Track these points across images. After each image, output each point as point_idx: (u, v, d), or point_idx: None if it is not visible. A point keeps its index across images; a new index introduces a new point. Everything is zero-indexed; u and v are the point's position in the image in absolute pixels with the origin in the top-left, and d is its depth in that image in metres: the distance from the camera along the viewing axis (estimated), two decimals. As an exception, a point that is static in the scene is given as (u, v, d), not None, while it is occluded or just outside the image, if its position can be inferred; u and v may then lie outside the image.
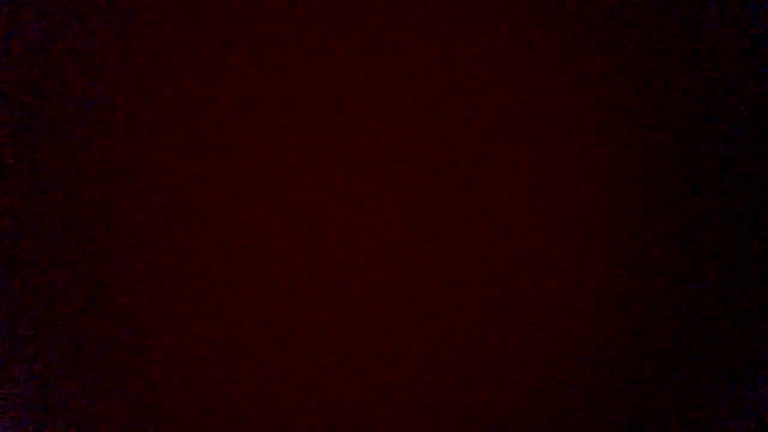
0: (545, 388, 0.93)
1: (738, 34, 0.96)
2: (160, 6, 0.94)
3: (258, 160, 0.92)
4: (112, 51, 0.94)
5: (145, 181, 0.93)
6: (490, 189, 0.92)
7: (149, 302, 0.93)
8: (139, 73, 0.94)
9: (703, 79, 0.95)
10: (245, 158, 0.92)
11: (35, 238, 0.96)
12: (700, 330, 0.95)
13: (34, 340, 0.96)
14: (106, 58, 0.95)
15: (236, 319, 0.92)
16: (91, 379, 0.95)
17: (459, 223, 0.92)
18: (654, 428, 0.95)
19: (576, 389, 0.93)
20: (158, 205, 0.93)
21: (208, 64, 0.93)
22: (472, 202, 0.92)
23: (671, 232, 0.94)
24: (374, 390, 0.93)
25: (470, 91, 0.92)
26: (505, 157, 0.92)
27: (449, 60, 0.92)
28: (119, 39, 0.94)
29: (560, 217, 0.92)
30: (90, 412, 0.96)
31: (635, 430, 0.95)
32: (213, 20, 0.93)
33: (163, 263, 0.93)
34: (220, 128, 0.92)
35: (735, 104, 0.95)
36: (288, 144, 0.92)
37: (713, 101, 0.95)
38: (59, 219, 0.95)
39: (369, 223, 0.92)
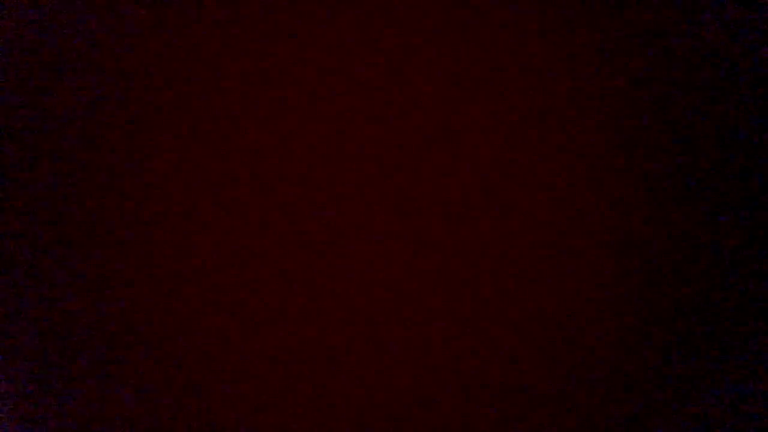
0: (545, 389, 0.93)
1: (738, 35, 0.96)
2: (160, 6, 0.94)
3: (259, 160, 0.92)
4: (112, 51, 0.94)
5: (144, 181, 0.93)
6: (489, 188, 0.92)
7: (149, 302, 0.93)
8: (139, 72, 0.94)
9: (702, 78, 0.95)
10: (246, 158, 0.92)
11: (35, 238, 0.96)
12: (700, 330, 0.95)
13: (34, 340, 0.96)
14: (106, 58, 0.95)
15: (235, 319, 0.92)
16: (90, 379, 0.95)
17: (458, 224, 0.92)
18: (653, 428, 0.95)
19: (576, 390, 0.93)
20: (158, 205, 0.93)
21: (207, 64, 0.93)
22: (471, 202, 0.92)
23: (671, 232, 0.94)
24: (373, 390, 0.93)
25: (469, 91, 0.92)
26: (504, 157, 0.92)
27: (449, 60, 0.92)
28: (119, 39, 0.94)
29: (560, 218, 0.92)
30: (90, 413, 0.96)
31: (635, 430, 0.95)
32: (212, 20, 0.94)
33: (162, 263, 0.93)
34: (220, 128, 0.93)
35: (735, 104, 0.96)
36: (289, 143, 0.92)
37: (713, 101, 0.95)
38: (59, 218, 0.95)
39: (368, 223, 0.92)
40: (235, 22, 0.93)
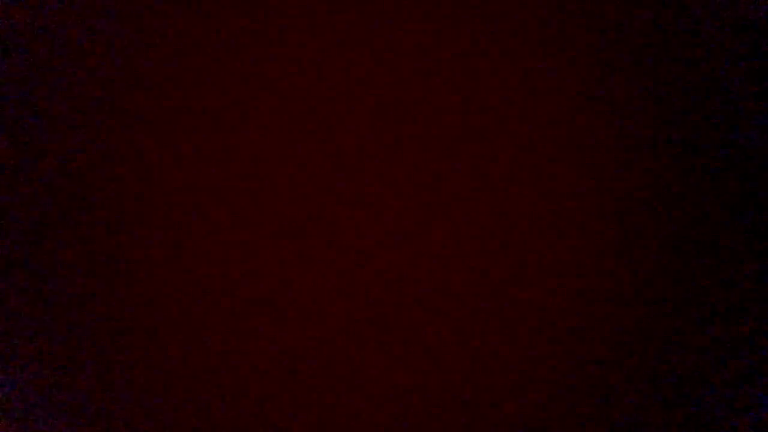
0: (545, 391, 0.93)
1: (738, 34, 0.96)
2: (161, 6, 0.94)
3: (259, 160, 0.92)
4: (112, 51, 0.94)
5: (144, 181, 0.93)
6: (489, 188, 0.92)
7: (149, 302, 0.93)
8: (139, 72, 0.94)
9: (702, 78, 0.95)
10: (246, 158, 0.92)
11: (35, 238, 0.96)
12: (700, 331, 0.95)
13: (34, 340, 0.96)
14: (106, 57, 0.95)
15: (235, 319, 0.92)
16: (91, 379, 0.95)
17: (458, 224, 0.92)
18: (653, 428, 0.95)
19: (577, 390, 0.93)
20: (158, 205, 0.93)
21: (207, 64, 0.93)
22: (470, 203, 0.92)
23: (670, 232, 0.94)
24: (373, 390, 0.93)
25: (469, 91, 0.92)
26: (504, 156, 0.92)
27: (448, 60, 0.92)
28: (119, 38, 0.94)
29: (560, 217, 0.92)
30: (90, 413, 0.96)
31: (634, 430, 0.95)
32: (212, 19, 0.93)
33: (162, 263, 0.93)
34: (219, 128, 0.93)
35: (735, 104, 0.95)
36: (289, 143, 0.92)
37: (713, 101, 0.95)
38: (59, 218, 0.95)
39: (368, 223, 0.92)
40: (235, 20, 0.93)
